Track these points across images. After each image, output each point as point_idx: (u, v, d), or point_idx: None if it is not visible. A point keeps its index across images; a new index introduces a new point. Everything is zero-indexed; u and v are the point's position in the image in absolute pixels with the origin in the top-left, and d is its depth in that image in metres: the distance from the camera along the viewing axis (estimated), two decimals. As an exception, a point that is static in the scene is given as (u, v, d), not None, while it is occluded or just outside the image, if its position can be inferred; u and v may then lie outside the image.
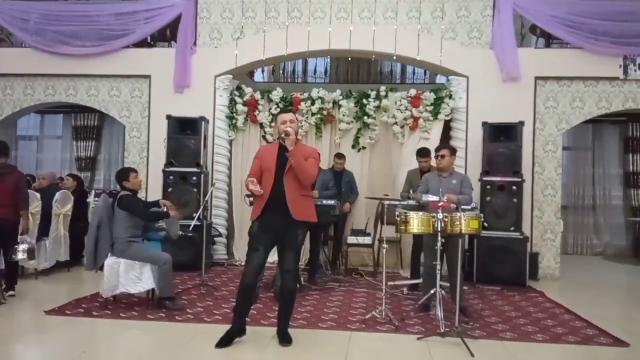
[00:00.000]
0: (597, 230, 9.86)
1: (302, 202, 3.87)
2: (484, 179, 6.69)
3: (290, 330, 4.02)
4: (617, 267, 8.62)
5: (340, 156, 7.18)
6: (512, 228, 6.51)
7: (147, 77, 7.76)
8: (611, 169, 9.86)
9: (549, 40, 7.62)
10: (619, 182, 9.84)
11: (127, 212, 4.84)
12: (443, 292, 4.54)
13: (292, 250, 3.90)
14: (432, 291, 4.60)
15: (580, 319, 4.91)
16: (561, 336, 4.38)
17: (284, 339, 3.93)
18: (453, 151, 5.21)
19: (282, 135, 3.80)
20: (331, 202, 5.90)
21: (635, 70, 7.08)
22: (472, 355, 3.79)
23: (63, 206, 6.56)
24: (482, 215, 4.62)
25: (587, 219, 9.86)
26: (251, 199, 5.56)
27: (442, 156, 5.13)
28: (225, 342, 3.83)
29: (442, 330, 4.16)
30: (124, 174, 5.06)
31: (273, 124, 7.58)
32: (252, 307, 4.20)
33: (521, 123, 6.74)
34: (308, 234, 4.77)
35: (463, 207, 4.69)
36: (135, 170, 5.16)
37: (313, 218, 4.01)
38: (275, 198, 3.78)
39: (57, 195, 6.47)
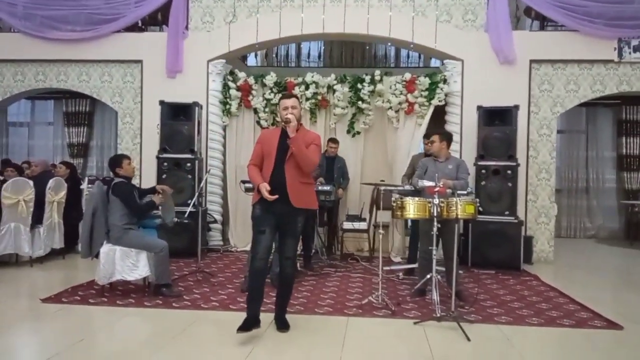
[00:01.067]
0: (591, 213, 9.93)
1: (302, 190, 3.80)
2: (479, 163, 6.69)
3: (288, 316, 4.04)
4: (610, 249, 8.70)
5: (334, 141, 7.14)
6: (506, 212, 6.53)
7: (139, 62, 7.66)
8: (605, 152, 9.90)
9: (544, 23, 7.58)
10: (612, 165, 9.89)
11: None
12: (439, 276, 4.56)
13: (292, 237, 3.87)
14: (428, 276, 4.62)
15: (574, 302, 4.96)
16: (556, 319, 4.42)
17: (282, 325, 3.95)
18: (445, 137, 5.16)
19: (283, 122, 3.76)
20: (327, 187, 5.91)
21: (629, 53, 7.05)
22: (469, 339, 3.81)
23: (57, 193, 6.51)
24: (477, 200, 4.64)
25: (580, 202, 9.93)
26: (247, 185, 5.56)
27: (432, 142, 5.20)
28: (244, 329, 3.67)
29: (438, 315, 4.19)
30: (117, 160, 5.01)
31: (267, 109, 7.55)
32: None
33: (516, 107, 6.72)
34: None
35: (459, 192, 4.70)
36: (128, 157, 5.11)
37: (313, 205, 3.99)
38: (276, 184, 3.71)
39: (51, 182, 6.42)
